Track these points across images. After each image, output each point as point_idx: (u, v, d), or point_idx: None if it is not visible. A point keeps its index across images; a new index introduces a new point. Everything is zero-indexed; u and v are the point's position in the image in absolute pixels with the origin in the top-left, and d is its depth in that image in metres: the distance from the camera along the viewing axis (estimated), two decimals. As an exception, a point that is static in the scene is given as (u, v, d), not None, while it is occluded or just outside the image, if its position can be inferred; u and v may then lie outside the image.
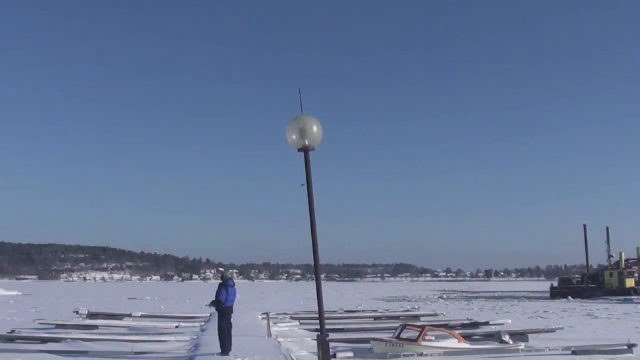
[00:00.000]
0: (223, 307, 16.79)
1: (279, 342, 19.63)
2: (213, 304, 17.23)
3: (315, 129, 10.21)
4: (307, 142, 10.18)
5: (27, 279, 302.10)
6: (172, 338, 21.48)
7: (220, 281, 17.30)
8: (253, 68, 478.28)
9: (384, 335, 20.53)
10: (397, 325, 22.30)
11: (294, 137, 10.18)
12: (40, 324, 27.71)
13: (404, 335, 19.80)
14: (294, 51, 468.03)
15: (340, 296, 77.03)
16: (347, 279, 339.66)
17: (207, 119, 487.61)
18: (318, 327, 24.19)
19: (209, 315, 30.69)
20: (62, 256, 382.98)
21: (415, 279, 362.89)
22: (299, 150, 10.25)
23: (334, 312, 34.72)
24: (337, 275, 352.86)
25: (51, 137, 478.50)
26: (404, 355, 18.10)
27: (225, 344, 16.24)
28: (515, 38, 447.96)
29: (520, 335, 21.88)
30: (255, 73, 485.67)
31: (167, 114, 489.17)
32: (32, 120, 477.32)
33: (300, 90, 10.32)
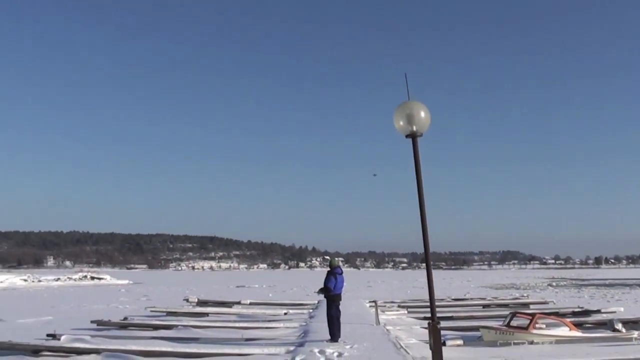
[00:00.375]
0: (332, 294, 16.85)
1: (387, 330, 19.56)
2: (321, 291, 17.29)
3: (422, 114, 10.09)
4: (414, 128, 10.07)
5: (136, 268, 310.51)
6: (280, 325, 21.67)
7: (329, 269, 17.34)
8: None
9: (493, 323, 20.22)
10: (506, 313, 21.94)
11: (401, 123, 10.08)
12: (151, 311, 28.45)
13: (513, 323, 19.45)
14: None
15: (448, 284, 76.45)
16: (453, 267, 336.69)
17: (309, 110, 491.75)
18: (426, 315, 24.14)
19: (316, 302, 30.88)
20: (171, 246, 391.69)
21: (523, 266, 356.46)
22: (407, 136, 10.15)
23: (442, 300, 34.43)
24: (444, 263, 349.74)
25: (160, 133, 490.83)
26: (514, 343, 17.80)
27: (334, 331, 16.30)
28: None
29: (633, 324, 21.25)
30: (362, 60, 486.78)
31: (279, 108, 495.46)
32: (139, 117, 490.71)
33: (407, 76, 10.22)
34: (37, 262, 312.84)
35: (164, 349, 15.03)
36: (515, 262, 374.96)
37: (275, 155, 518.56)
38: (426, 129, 10.16)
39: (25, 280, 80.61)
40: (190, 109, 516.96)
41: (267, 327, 20.99)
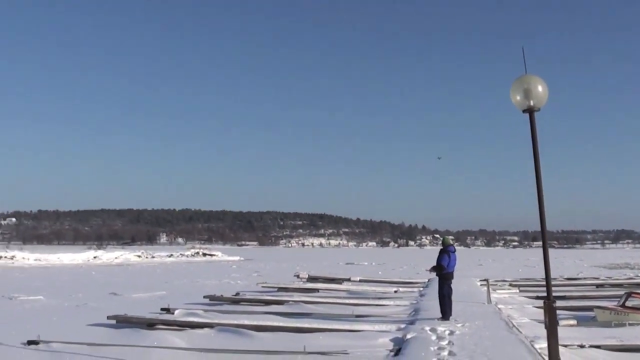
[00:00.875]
0: (444, 273, 16.69)
1: (498, 309, 19.29)
2: (434, 269, 17.16)
3: (540, 88, 9.79)
4: (531, 103, 9.79)
5: (247, 244, 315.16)
6: (391, 302, 21.62)
7: (441, 247, 17.18)
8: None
9: (608, 303, 19.63)
10: (620, 293, 21.26)
11: (518, 97, 9.81)
12: (262, 287, 28.82)
13: (628, 303, 18.84)
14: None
15: (560, 263, 74.65)
16: (565, 246, 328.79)
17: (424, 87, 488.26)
18: (538, 294, 23.71)
19: (427, 280, 30.70)
20: (281, 223, 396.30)
21: (638, 245, 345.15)
22: (524, 111, 9.88)
23: (554, 279, 33.64)
24: (555, 242, 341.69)
25: (275, 114, 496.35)
26: (629, 324, 17.25)
27: (446, 309, 16.16)
28: None
29: None
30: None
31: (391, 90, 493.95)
32: (263, 101, 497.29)
33: (524, 49, 9.94)
34: (150, 239, 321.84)
35: (275, 323, 15.19)
36: (630, 241, 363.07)
37: (385, 134, 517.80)
38: (544, 103, 9.86)
39: (139, 256, 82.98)
40: (314, 91, 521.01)
41: (377, 305, 20.97)
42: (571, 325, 16.88)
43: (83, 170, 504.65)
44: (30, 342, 13.05)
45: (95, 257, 74.53)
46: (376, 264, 67.92)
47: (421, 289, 27.62)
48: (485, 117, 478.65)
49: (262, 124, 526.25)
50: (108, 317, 16.30)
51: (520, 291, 27.06)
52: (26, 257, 66.03)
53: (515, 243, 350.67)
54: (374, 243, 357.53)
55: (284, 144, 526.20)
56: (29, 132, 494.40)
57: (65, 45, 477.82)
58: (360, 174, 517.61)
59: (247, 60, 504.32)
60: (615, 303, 19.40)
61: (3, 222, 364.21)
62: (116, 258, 77.29)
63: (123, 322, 15.96)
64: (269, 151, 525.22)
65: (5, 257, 64.75)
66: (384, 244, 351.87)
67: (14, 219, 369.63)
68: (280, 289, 27.42)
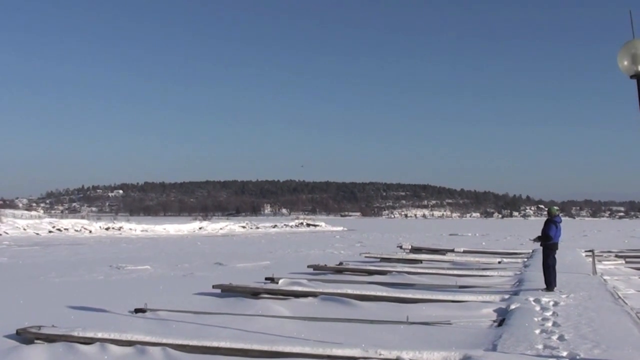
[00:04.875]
0: (550, 243, 16.39)
1: (604, 280, 18.84)
2: (538, 239, 16.86)
3: (648, 53, 9.41)
4: (640, 68, 9.43)
5: (350, 215, 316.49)
6: (495, 273, 21.38)
7: (547, 217, 16.85)
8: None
9: None
10: None
11: (625, 63, 9.45)
12: (365, 257, 28.86)
13: None
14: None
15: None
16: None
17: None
18: (645, 265, 23.01)
19: (531, 251, 30.21)
20: (384, 194, 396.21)
21: None
22: (631, 77, 9.52)
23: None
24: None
25: (375, 86, 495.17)
26: None
27: (550, 280, 15.88)
28: None
29: None
30: None
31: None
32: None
33: (631, 12, 9.57)
34: (254, 210, 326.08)
35: (378, 293, 15.23)
36: None
37: (486, 102, 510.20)
38: (654, 68, 9.45)
39: (243, 227, 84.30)
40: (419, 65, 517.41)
41: (481, 275, 20.78)
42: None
43: (188, 143, 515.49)
44: (137, 310, 13.42)
45: (200, 228, 76.12)
46: (480, 235, 67.14)
47: (525, 259, 27.22)
48: (590, 85, 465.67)
49: (364, 95, 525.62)
50: (213, 286, 16.62)
51: (627, 262, 26.33)
52: (133, 228, 67.93)
53: (622, 214, 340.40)
54: (478, 214, 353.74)
55: (385, 115, 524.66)
56: (136, 110, 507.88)
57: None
58: (464, 144, 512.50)
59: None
60: None
61: (111, 195, 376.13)
62: (221, 229, 78.74)
63: (228, 291, 16.25)
64: (372, 122, 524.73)
65: (113, 228, 66.79)
66: (488, 214, 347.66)
67: (121, 191, 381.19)
68: (383, 260, 27.44)
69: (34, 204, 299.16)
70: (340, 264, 24.75)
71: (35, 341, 10.23)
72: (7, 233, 55.10)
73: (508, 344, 9.63)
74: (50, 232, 59.29)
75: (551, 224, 16.44)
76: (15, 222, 61.74)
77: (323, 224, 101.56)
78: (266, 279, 18.56)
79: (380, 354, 8.87)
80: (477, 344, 10.04)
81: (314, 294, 15.36)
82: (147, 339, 9.84)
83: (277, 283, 17.29)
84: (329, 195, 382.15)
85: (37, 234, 57.01)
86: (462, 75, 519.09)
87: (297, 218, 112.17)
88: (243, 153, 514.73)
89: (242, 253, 35.29)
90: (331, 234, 74.44)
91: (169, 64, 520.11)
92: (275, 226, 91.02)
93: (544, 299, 14.07)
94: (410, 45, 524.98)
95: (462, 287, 17.50)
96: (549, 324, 11.37)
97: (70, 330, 10.29)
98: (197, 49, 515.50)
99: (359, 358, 8.79)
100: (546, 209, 17.80)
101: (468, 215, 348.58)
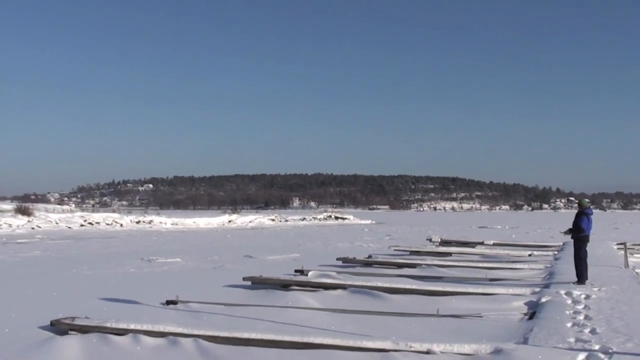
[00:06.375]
0: (581, 235, 16.27)
1: (636, 273, 18.68)
2: (570, 231, 16.74)
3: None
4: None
5: (379, 208, 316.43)
6: (525, 266, 21.27)
7: (578, 209, 16.73)
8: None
9: None
10: None
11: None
12: (394, 250, 28.83)
13: None
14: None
15: (702, 227, 71.53)
16: None
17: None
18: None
19: (561, 243, 30.02)
20: (413, 186, 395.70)
21: None
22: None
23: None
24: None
25: (406, 77, 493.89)
26: None
27: (582, 273, 15.77)
28: None
29: None
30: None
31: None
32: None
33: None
34: (283, 203, 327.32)
35: (408, 286, 15.22)
36: None
37: (514, 94, 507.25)
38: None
39: (272, 220, 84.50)
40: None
41: (511, 268, 20.68)
42: None
43: (217, 137, 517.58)
44: (169, 302, 13.52)
45: (230, 221, 76.35)
46: (509, 228, 66.78)
47: (556, 252, 27.04)
48: (620, 75, 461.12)
49: (393, 88, 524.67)
50: (244, 279, 16.70)
51: (660, 256, 26.07)
52: (163, 221, 68.28)
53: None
54: (507, 206, 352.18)
55: (414, 108, 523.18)
56: (165, 105, 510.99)
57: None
58: (493, 136, 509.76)
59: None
60: None
61: (141, 189, 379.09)
62: (250, 222, 78.95)
63: (258, 283, 16.32)
64: (400, 115, 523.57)
65: (144, 221, 67.18)
66: (517, 207, 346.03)
67: (151, 185, 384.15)
68: (413, 253, 27.40)
69: (66, 199, 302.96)
70: (369, 256, 24.75)
71: (69, 332, 10.36)
72: (40, 227, 55.67)
73: (539, 337, 9.60)
74: (82, 225, 59.80)
75: (582, 216, 16.32)
76: (48, 216, 62.31)
77: (351, 217, 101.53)
78: (296, 271, 18.63)
79: (410, 347, 8.88)
80: (508, 337, 10.03)
81: (343, 287, 15.38)
82: (179, 330, 9.92)
83: (307, 275, 17.34)
84: (357, 188, 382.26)
85: (69, 227, 57.52)
86: (487, 67, 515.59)
87: (326, 211, 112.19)
88: (272, 147, 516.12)
89: (271, 246, 35.41)
90: (360, 227, 74.35)
91: (197, 58, 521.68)
92: (303, 219, 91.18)
93: (576, 292, 13.99)
94: (434, 38, 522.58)
95: (493, 280, 17.45)
96: (581, 317, 11.32)
97: (103, 322, 10.41)
98: (225, 41, 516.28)
99: (390, 350, 8.81)
100: (577, 201, 17.67)
101: (497, 207, 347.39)
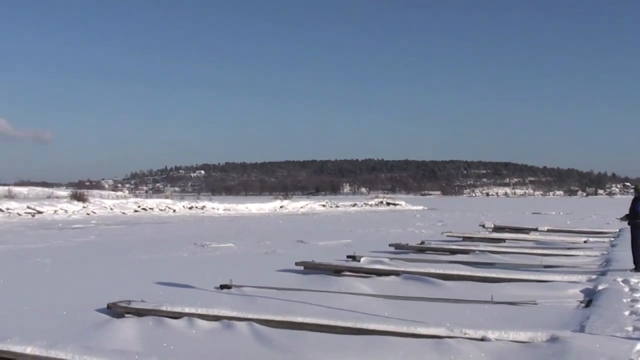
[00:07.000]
0: (639, 222, 15.99)
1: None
2: (626, 217, 16.47)
3: None
4: None
5: (430, 194, 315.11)
6: (580, 252, 21.00)
7: (635, 195, 16.42)
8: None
9: None
10: None
11: None
12: (447, 236, 28.67)
13: None
14: None
15: None
16: None
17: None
18: None
19: (618, 230, 29.59)
20: (465, 172, 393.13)
21: None
22: None
23: None
24: None
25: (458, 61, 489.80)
26: None
27: (640, 260, 15.55)
28: None
29: None
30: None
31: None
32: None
33: None
34: (334, 189, 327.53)
35: (461, 272, 15.10)
36: None
37: (568, 78, 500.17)
38: None
39: (323, 205, 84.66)
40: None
41: (566, 255, 20.41)
42: None
43: (268, 124, 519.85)
44: (222, 286, 13.60)
45: (281, 207, 76.70)
46: (564, 214, 65.94)
47: (612, 239, 26.64)
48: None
49: (443, 74, 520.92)
50: (296, 264, 16.74)
51: None
52: (215, 207, 68.78)
53: None
54: (561, 192, 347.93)
55: (465, 93, 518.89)
56: (217, 92, 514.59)
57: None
58: (546, 118, 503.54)
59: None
60: None
61: (193, 175, 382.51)
62: (301, 207, 79.24)
63: (311, 268, 16.35)
64: (452, 100, 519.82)
65: (196, 207, 67.77)
66: (572, 192, 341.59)
67: (203, 172, 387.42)
68: (466, 239, 27.19)
69: (119, 185, 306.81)
70: (422, 243, 24.64)
71: (126, 315, 10.50)
72: (94, 212, 56.47)
73: (596, 326, 9.46)
74: (135, 211, 60.54)
75: (639, 201, 16.04)
76: (103, 202, 63.25)
77: (403, 202, 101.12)
78: (348, 256, 18.60)
79: (465, 333, 8.81)
80: (564, 324, 9.91)
81: (396, 273, 15.32)
82: (234, 314, 9.98)
83: (359, 261, 17.30)
84: (408, 173, 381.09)
85: (123, 213, 58.26)
86: (546, 52, 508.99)
87: (377, 197, 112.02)
88: (322, 133, 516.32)
89: (322, 231, 35.47)
90: (411, 212, 74.11)
91: (255, 49, 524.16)
92: (354, 205, 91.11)
93: (633, 280, 13.75)
94: (493, 23, 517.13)
95: (547, 267, 17.23)
96: (639, 305, 11.13)
97: (159, 305, 10.51)
98: (276, 31, 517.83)
99: (444, 337, 8.74)
100: (633, 187, 17.37)
101: (551, 193, 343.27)
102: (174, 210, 64.04)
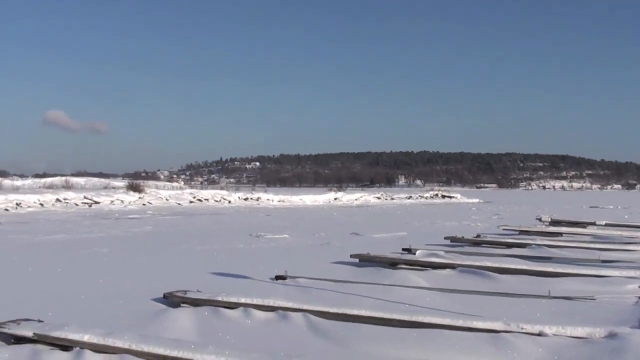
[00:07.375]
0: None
1: None
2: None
3: None
4: None
5: (486, 187, 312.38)
6: (639, 247, 20.67)
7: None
8: None
9: None
10: None
11: None
12: (503, 229, 28.37)
13: None
14: None
15: None
16: None
17: None
18: None
19: (680, 225, 29.07)
20: (521, 165, 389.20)
21: None
22: None
23: None
24: None
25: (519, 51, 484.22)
26: None
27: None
28: None
29: None
30: None
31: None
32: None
33: None
34: (388, 181, 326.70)
35: (517, 266, 14.95)
36: None
37: (623, 69, 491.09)
38: None
39: (378, 198, 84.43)
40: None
41: (624, 250, 20.05)
42: None
43: (322, 116, 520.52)
44: (277, 277, 13.69)
45: (335, 199, 76.63)
46: (622, 208, 64.78)
47: (677, 234, 26.15)
48: None
49: (501, 66, 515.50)
50: (351, 256, 16.73)
51: None
52: (270, 198, 69.02)
53: None
54: (619, 186, 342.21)
55: (522, 85, 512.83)
56: (272, 85, 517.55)
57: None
58: (604, 112, 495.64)
59: None
60: None
61: (248, 166, 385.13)
62: (356, 199, 79.09)
63: (366, 260, 16.33)
64: (508, 93, 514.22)
65: (251, 198, 68.11)
66: (630, 186, 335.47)
67: (257, 163, 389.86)
68: (522, 232, 26.87)
69: (175, 176, 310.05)
70: (478, 236, 24.42)
71: (182, 305, 10.62)
72: (150, 203, 57.12)
73: (655, 322, 9.32)
74: (191, 202, 61.04)
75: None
76: (158, 193, 63.89)
77: (458, 195, 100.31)
78: (403, 249, 18.52)
79: (522, 328, 8.73)
80: (622, 320, 9.77)
81: (452, 266, 15.25)
82: (289, 305, 10.03)
83: (414, 254, 17.22)
84: (463, 166, 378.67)
85: (179, 204, 58.80)
86: (605, 41, 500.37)
87: (432, 189, 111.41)
88: (377, 124, 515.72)
89: (377, 223, 35.36)
90: (467, 205, 73.48)
91: (303, 40, 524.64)
92: (409, 197, 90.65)
93: (693, 275, 13.51)
94: (551, 17, 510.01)
95: (605, 262, 16.97)
96: (699, 301, 10.94)
97: (214, 295, 10.60)
98: (338, 25, 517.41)
99: (500, 331, 8.67)
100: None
101: (609, 187, 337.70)
102: (229, 202, 64.45)
